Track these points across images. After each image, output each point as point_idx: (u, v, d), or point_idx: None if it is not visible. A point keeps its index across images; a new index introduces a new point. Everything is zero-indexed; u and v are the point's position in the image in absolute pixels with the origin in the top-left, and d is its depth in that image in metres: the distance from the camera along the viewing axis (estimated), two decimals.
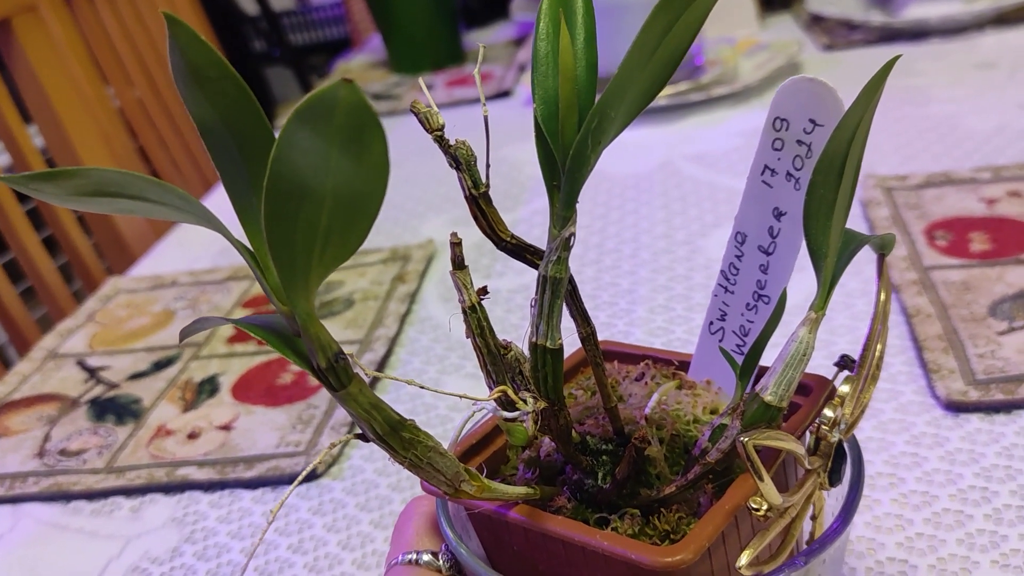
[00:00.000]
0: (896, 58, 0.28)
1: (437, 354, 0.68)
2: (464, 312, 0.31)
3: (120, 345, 0.78)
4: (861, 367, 0.33)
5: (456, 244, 0.30)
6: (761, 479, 0.28)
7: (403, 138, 1.15)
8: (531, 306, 0.30)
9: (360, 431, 0.28)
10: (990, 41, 1.10)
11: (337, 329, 0.73)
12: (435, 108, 0.28)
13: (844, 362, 0.35)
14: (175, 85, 0.24)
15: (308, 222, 0.24)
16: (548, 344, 0.30)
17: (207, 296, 0.84)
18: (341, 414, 0.62)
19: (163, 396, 0.69)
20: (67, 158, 1.20)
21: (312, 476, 0.57)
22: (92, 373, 0.74)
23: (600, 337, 0.34)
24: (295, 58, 2.74)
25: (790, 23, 1.31)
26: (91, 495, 0.60)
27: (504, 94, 1.23)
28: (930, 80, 1.01)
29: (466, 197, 0.30)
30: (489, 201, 0.30)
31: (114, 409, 0.68)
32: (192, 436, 0.63)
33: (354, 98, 0.21)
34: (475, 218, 0.30)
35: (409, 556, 0.36)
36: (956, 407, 0.52)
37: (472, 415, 0.31)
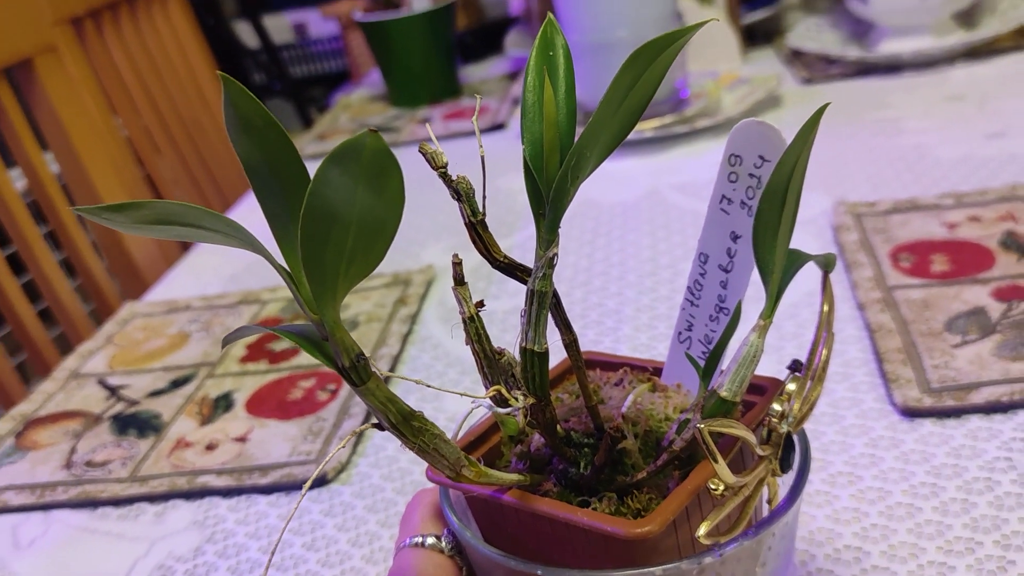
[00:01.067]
0: (826, 105, 0.33)
1: (437, 371, 0.73)
2: (464, 322, 0.36)
3: (138, 365, 0.83)
4: (807, 369, 0.38)
5: (457, 264, 0.35)
6: (716, 460, 0.33)
7: (404, 169, 1.21)
8: (521, 316, 0.35)
9: (377, 421, 0.33)
10: (960, 74, 1.16)
11: None
12: (440, 148, 0.34)
13: (795, 366, 0.40)
14: (226, 133, 0.29)
15: (336, 244, 0.29)
16: (535, 348, 0.35)
17: (220, 319, 0.89)
18: (348, 425, 0.67)
19: (181, 411, 0.74)
20: (81, 183, 1.26)
21: (322, 481, 0.62)
22: (113, 391, 0.79)
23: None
24: (295, 90, 2.80)
25: (772, 57, 1.37)
26: (117, 502, 0.65)
27: (499, 127, 1.28)
28: (902, 112, 1.07)
29: (466, 224, 0.35)
30: (486, 228, 0.35)
31: (135, 424, 0.73)
32: (210, 447, 0.68)
33: (377, 144, 0.27)
34: (474, 242, 0.35)
35: (416, 539, 0.41)
36: (911, 412, 0.58)
37: (471, 411, 0.36)
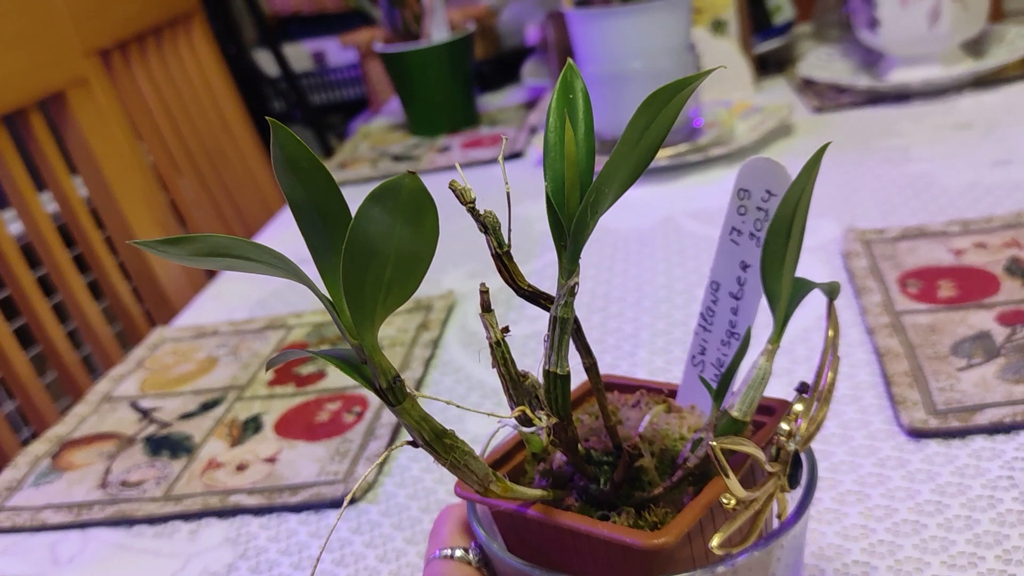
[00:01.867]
0: (826, 145, 0.35)
1: (459, 394, 0.75)
2: (491, 347, 0.38)
3: (169, 388, 0.86)
4: (814, 391, 0.41)
5: (484, 292, 0.38)
6: (727, 476, 0.35)
7: None
8: (544, 341, 0.38)
9: (411, 439, 0.35)
10: (967, 103, 1.18)
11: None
12: (468, 185, 0.36)
13: (802, 388, 0.42)
14: (274, 174, 0.32)
15: (375, 275, 0.32)
16: (558, 371, 0.38)
17: (247, 344, 0.92)
18: (373, 447, 0.69)
19: (212, 433, 0.77)
20: (109, 207, 1.30)
21: (351, 501, 0.64)
22: (145, 414, 0.82)
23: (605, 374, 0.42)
24: (314, 118, 2.85)
25: (783, 86, 1.40)
26: (152, 520, 0.67)
27: (516, 155, 1.31)
28: (910, 140, 1.10)
29: (492, 255, 0.38)
30: (511, 258, 0.38)
31: (168, 445, 0.76)
32: (240, 468, 0.71)
33: (415, 185, 0.29)
34: (500, 272, 0.38)
35: (445, 552, 0.43)
36: (918, 433, 0.60)
37: (497, 431, 0.39)
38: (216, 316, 1.01)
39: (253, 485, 0.68)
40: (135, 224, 1.30)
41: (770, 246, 0.37)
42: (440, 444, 0.35)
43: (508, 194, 0.36)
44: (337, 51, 2.95)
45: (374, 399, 0.76)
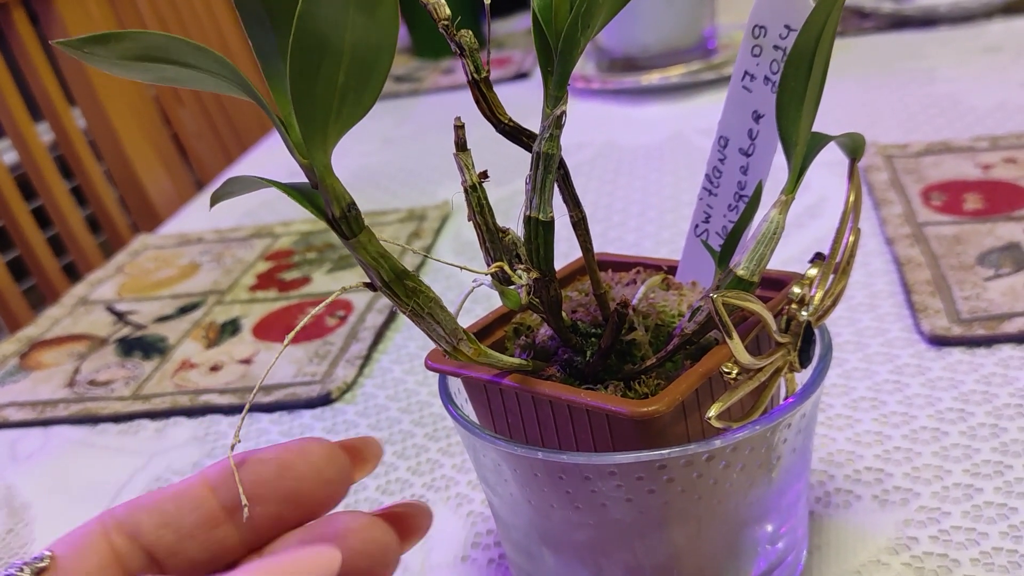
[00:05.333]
0: None
1: (449, 299, 0.71)
2: (465, 191, 0.34)
3: (147, 293, 0.82)
4: (831, 257, 0.36)
5: (459, 127, 0.33)
6: (730, 336, 0.31)
7: (424, 116, 1.19)
8: (526, 183, 0.33)
9: (368, 280, 0.31)
10: (997, 28, 1.12)
11: (356, 278, 0.76)
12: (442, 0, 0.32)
13: (817, 258, 0.38)
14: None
15: (327, 77, 0.27)
16: (540, 216, 0.33)
17: (231, 251, 0.87)
18: (356, 349, 0.65)
19: (187, 335, 0.72)
20: (107, 138, 1.25)
21: (326, 400, 0.60)
22: (120, 316, 0.78)
23: None
24: None
25: None
26: (118, 418, 0.63)
27: (523, 75, 1.26)
28: (936, 62, 1.04)
29: (469, 83, 0.33)
30: (490, 86, 0.33)
31: (141, 346, 0.72)
32: (214, 368, 0.66)
33: None
34: (476, 102, 0.33)
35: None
36: (939, 341, 0.55)
37: (472, 289, 0.34)
38: (203, 225, 0.96)
39: (226, 385, 0.64)
40: (133, 153, 1.25)
41: (788, 81, 0.32)
42: (400, 286, 0.30)
43: (487, 5, 0.31)
44: None
45: (359, 303, 0.71)
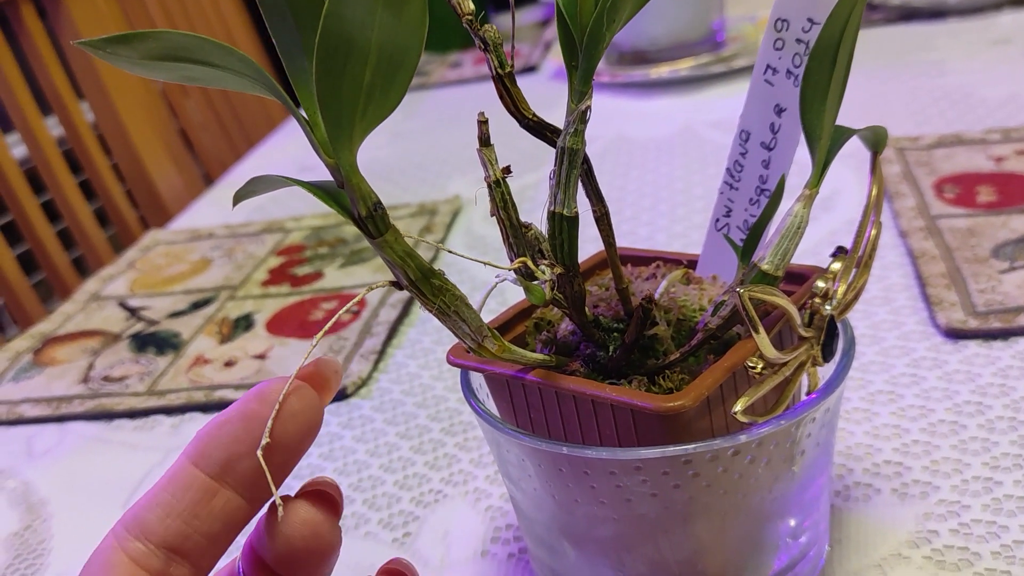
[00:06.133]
0: None
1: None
2: (488, 186, 0.34)
3: (160, 288, 0.82)
4: (854, 251, 0.36)
5: (483, 122, 0.33)
6: (756, 330, 0.31)
7: (433, 110, 1.19)
8: (549, 178, 0.33)
9: (395, 279, 0.31)
10: (1007, 20, 1.12)
11: (368, 273, 0.76)
12: None
13: (839, 252, 0.38)
14: None
15: (353, 77, 0.27)
16: (565, 212, 0.33)
17: (242, 246, 0.87)
18: (370, 344, 0.65)
19: (201, 331, 0.72)
20: (116, 132, 1.24)
21: (342, 395, 0.60)
22: (133, 312, 0.78)
23: None
24: None
25: None
26: (133, 414, 0.63)
27: (531, 68, 1.26)
28: (946, 55, 1.04)
29: (493, 78, 0.33)
30: (513, 81, 0.33)
31: (154, 342, 0.72)
32: (229, 364, 0.67)
33: None
34: (500, 97, 0.33)
35: None
36: (956, 334, 0.55)
37: (496, 284, 0.34)
38: (213, 221, 0.96)
39: (241, 380, 0.64)
40: (141, 147, 1.25)
41: (812, 75, 0.32)
42: (427, 285, 0.30)
43: (511, 2, 0.31)
44: None
45: (372, 297, 0.71)
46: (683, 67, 1.05)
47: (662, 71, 1.06)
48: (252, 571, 0.29)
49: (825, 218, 0.72)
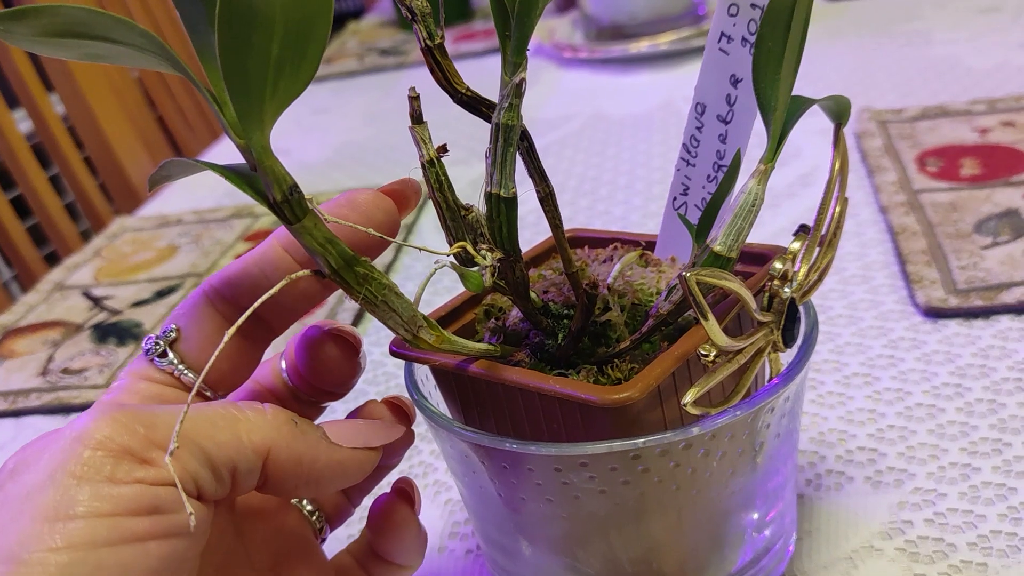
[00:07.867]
0: None
1: (435, 281, 0.69)
2: (422, 166, 0.32)
3: (124, 277, 0.80)
4: (816, 229, 0.34)
5: (414, 98, 0.31)
6: (705, 317, 0.29)
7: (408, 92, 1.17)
8: (485, 157, 0.31)
9: (317, 268, 0.29)
10: None
11: None
12: None
13: (802, 230, 0.35)
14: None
15: (260, 50, 0.25)
16: (502, 192, 0.31)
17: (210, 232, 0.85)
18: None
19: (163, 320, 0.70)
20: (87, 124, 1.22)
21: None
22: (96, 302, 0.76)
23: None
24: None
25: None
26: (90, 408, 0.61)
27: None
28: (932, 24, 1.01)
29: (421, 50, 0.31)
30: (444, 53, 0.31)
31: (116, 332, 0.70)
32: None
33: None
34: (431, 70, 0.31)
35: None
36: (935, 313, 0.53)
37: (433, 271, 0.32)
38: (183, 206, 0.94)
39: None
40: (114, 138, 1.22)
41: (764, 42, 0.30)
42: (350, 273, 0.28)
43: None
44: None
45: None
46: (663, 42, 1.03)
47: (641, 46, 1.04)
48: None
49: (805, 194, 0.70)
